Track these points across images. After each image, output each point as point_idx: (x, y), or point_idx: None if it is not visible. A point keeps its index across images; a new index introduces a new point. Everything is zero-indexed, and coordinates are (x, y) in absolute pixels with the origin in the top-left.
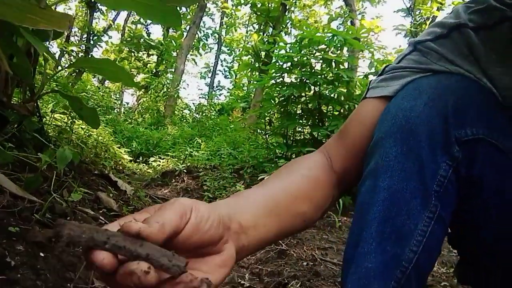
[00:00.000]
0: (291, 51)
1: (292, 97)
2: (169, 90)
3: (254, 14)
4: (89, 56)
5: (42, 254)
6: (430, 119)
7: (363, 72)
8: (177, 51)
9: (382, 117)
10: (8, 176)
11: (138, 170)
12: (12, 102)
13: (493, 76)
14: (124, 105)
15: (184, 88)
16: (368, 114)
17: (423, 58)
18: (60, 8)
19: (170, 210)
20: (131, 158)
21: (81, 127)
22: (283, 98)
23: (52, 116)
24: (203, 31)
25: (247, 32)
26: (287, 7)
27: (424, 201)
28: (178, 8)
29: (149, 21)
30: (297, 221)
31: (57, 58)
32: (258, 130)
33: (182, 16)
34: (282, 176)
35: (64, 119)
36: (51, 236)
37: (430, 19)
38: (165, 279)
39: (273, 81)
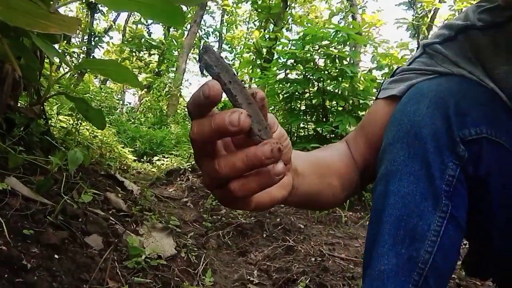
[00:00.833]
0: (294, 48)
1: (296, 93)
2: (171, 89)
3: (255, 11)
4: (91, 57)
5: (56, 256)
6: (433, 121)
7: (366, 67)
8: (179, 50)
9: (389, 123)
10: (19, 179)
11: (143, 170)
12: (18, 105)
13: (500, 75)
14: (126, 104)
15: (186, 87)
16: (379, 113)
17: (430, 60)
18: (61, 10)
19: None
20: (135, 158)
21: (86, 129)
22: (287, 95)
23: (58, 118)
24: (204, 29)
25: (248, 29)
26: (288, 3)
27: (435, 202)
28: (180, 7)
29: (150, 21)
30: (328, 191)
31: (59, 60)
32: None
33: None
34: (319, 150)
35: (70, 121)
36: (65, 237)
37: (432, 11)
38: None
39: (276, 78)
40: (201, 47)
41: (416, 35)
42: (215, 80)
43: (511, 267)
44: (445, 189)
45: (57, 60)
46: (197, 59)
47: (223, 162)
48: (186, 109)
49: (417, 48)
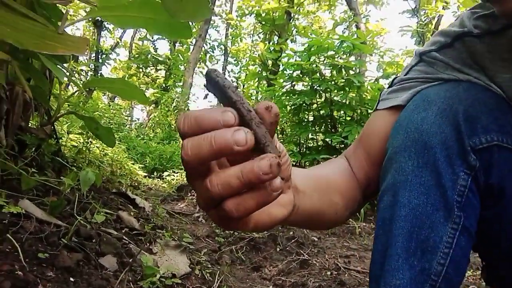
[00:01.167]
0: (300, 59)
1: (304, 104)
2: (179, 104)
3: (259, 24)
4: (98, 74)
5: (72, 279)
6: (443, 129)
7: (372, 76)
8: (185, 64)
9: (394, 131)
10: (33, 201)
11: (154, 186)
12: (29, 126)
13: (501, 83)
14: (135, 120)
15: (194, 101)
16: (380, 125)
17: (429, 68)
18: (68, 29)
19: None
20: (145, 174)
21: (97, 146)
22: (294, 106)
23: (68, 137)
24: (209, 43)
25: (252, 42)
26: (292, 15)
27: (447, 213)
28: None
29: (156, 37)
30: (331, 210)
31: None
32: None
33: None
34: (320, 166)
35: (80, 139)
36: (80, 259)
37: (436, 18)
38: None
39: (283, 89)
40: (208, 71)
41: (421, 42)
42: (231, 108)
43: None
44: (457, 200)
45: (65, 79)
46: (203, 73)
47: (215, 180)
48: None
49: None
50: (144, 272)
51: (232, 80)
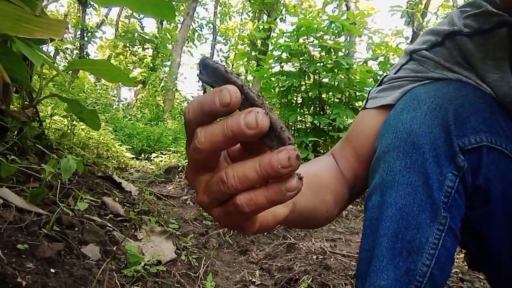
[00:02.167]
0: (288, 40)
1: (292, 86)
2: (167, 83)
3: (248, 2)
4: (84, 52)
5: (52, 270)
6: (432, 129)
7: (361, 58)
8: (172, 43)
9: (383, 130)
10: (12, 189)
11: (141, 168)
12: (10, 109)
13: (491, 83)
14: (122, 101)
15: (182, 81)
16: (369, 124)
17: (419, 67)
18: (52, 6)
19: None
20: (133, 156)
21: (82, 129)
22: (283, 88)
23: (52, 119)
24: (197, 21)
25: (241, 21)
26: None
27: (433, 214)
28: (171, 1)
29: (142, 15)
30: (323, 208)
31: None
32: None
33: (175, 7)
34: (309, 164)
35: (64, 121)
36: (61, 249)
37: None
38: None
39: (271, 71)
40: (199, 62)
41: (410, 22)
42: (232, 85)
43: (509, 274)
44: (444, 201)
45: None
46: (192, 53)
47: (231, 172)
48: (182, 104)
49: (407, 51)
50: (128, 260)
51: (221, 59)
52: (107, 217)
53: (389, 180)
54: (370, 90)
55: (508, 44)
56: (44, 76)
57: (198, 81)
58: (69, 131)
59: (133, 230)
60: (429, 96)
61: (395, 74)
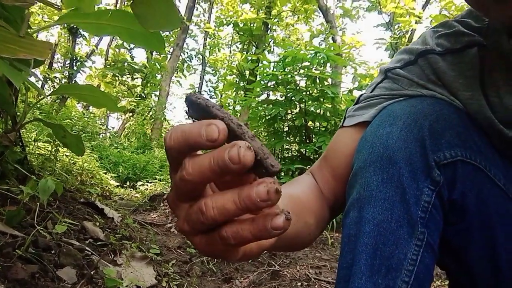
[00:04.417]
0: (275, 70)
1: (279, 115)
2: (155, 113)
3: (237, 34)
4: (73, 82)
5: None
6: (408, 144)
7: (347, 88)
8: (162, 73)
9: (360, 146)
10: None
11: (126, 196)
12: None
13: (462, 101)
14: (110, 129)
15: (170, 110)
16: (346, 142)
17: (394, 85)
18: (42, 35)
19: None
20: (118, 184)
21: (65, 155)
22: (270, 117)
23: (36, 144)
24: (187, 52)
25: (230, 52)
26: (269, 26)
27: (411, 229)
28: (160, 32)
29: (132, 45)
30: (305, 231)
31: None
32: None
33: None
34: (289, 185)
35: (48, 147)
36: (35, 271)
37: (410, 32)
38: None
39: (258, 99)
40: (185, 100)
41: (394, 55)
42: (221, 121)
43: None
44: (421, 216)
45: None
46: (181, 84)
47: (211, 203)
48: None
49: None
50: (105, 285)
51: (209, 90)
52: (86, 241)
53: (366, 196)
54: (347, 109)
55: (478, 63)
56: (29, 102)
57: (188, 118)
58: (52, 156)
59: (112, 255)
60: (404, 112)
61: (371, 92)
